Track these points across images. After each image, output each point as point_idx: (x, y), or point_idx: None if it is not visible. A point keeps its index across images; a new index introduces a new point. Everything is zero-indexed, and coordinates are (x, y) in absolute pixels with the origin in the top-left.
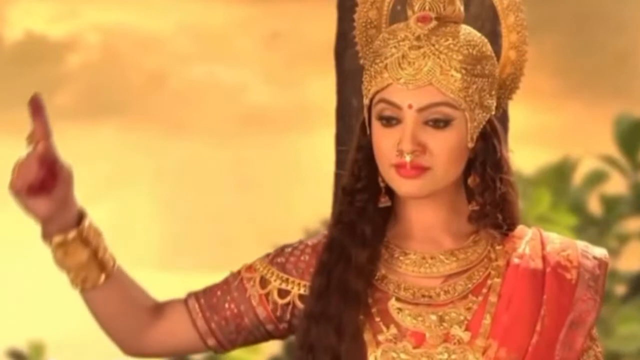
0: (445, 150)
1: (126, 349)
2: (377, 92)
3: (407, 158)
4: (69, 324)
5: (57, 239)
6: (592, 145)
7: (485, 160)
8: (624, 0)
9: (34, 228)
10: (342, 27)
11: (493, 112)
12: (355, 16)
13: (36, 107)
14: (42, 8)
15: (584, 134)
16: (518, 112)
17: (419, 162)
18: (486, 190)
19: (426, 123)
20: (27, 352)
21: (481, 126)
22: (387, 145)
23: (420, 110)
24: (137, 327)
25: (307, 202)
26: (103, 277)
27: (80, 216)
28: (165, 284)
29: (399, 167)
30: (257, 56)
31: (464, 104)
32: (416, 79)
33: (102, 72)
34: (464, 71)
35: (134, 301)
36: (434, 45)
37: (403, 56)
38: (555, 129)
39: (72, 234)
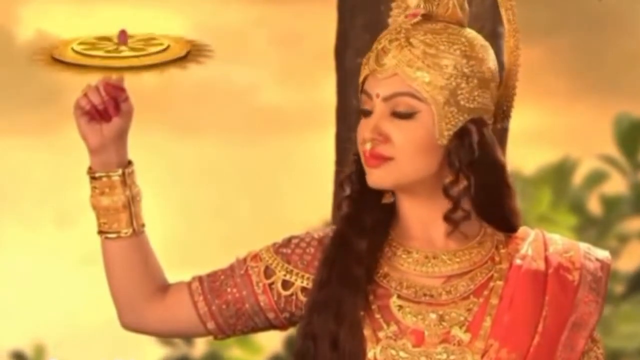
0: (407, 142)
1: (126, 318)
2: (361, 85)
3: (367, 146)
4: (69, 324)
5: (100, 175)
6: (600, 147)
7: (458, 159)
8: (637, 1)
9: (35, 229)
10: (342, 27)
11: (477, 116)
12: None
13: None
14: (56, 7)
15: (594, 135)
16: (528, 113)
17: (378, 151)
18: (454, 187)
19: (393, 114)
20: (29, 353)
21: (457, 126)
22: (360, 135)
23: (385, 99)
24: (143, 295)
25: (316, 202)
26: (130, 230)
27: (128, 162)
28: (171, 281)
29: (363, 156)
30: (269, 56)
31: (428, 98)
32: (384, 69)
33: None
34: (436, 66)
35: (148, 269)
36: (408, 38)
37: (383, 49)
38: (565, 130)
39: (116, 175)
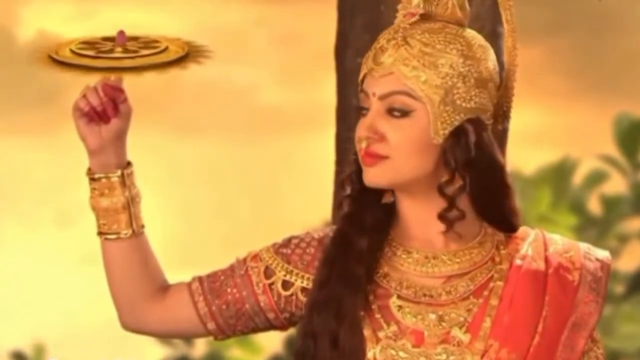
0: (402, 140)
1: (125, 318)
2: (360, 84)
3: (363, 144)
4: (69, 324)
5: (99, 176)
6: (600, 147)
7: (454, 158)
8: (637, 1)
9: (35, 229)
10: (342, 27)
11: (474, 116)
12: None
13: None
14: (57, 7)
15: (594, 135)
16: (528, 113)
17: (374, 149)
18: (449, 187)
19: (388, 113)
20: (29, 353)
21: (453, 125)
22: (356, 133)
23: (381, 98)
24: (143, 295)
25: (316, 202)
26: (130, 231)
27: (127, 163)
28: (171, 281)
29: (360, 154)
30: (269, 56)
31: (423, 97)
32: (381, 67)
33: None
34: (432, 65)
35: (148, 270)
36: (406, 37)
37: (380, 48)
38: (565, 130)
39: (115, 176)
